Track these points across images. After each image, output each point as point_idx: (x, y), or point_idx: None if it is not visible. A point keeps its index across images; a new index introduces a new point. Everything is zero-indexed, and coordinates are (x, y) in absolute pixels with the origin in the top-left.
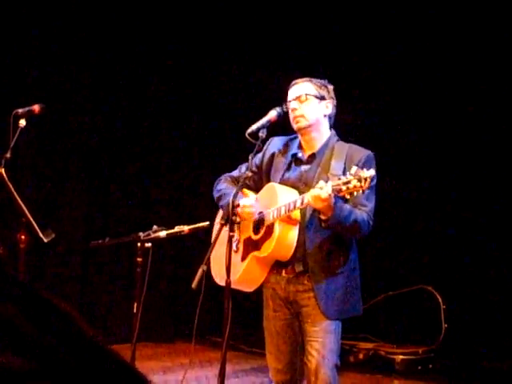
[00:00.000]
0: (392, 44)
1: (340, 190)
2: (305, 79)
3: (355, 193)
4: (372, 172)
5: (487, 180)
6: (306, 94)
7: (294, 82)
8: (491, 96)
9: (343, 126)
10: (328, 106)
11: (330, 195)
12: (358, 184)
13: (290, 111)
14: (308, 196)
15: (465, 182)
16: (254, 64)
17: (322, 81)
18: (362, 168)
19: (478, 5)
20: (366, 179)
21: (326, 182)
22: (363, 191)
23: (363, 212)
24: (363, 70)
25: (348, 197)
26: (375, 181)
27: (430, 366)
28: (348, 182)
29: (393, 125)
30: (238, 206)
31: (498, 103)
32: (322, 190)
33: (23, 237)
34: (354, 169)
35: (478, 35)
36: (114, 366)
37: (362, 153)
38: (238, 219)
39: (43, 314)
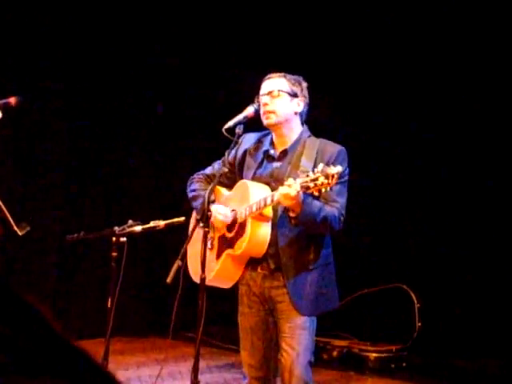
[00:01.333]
0: (378, 42)
1: (308, 188)
2: (279, 74)
3: (323, 189)
4: (339, 168)
5: (462, 179)
6: (279, 90)
7: (267, 77)
8: (478, 93)
9: (320, 123)
10: (299, 104)
11: (298, 192)
12: (326, 181)
13: (261, 105)
14: (278, 194)
15: (439, 181)
16: (231, 59)
17: (297, 77)
18: (332, 164)
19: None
20: (333, 176)
21: (295, 179)
22: (331, 188)
23: (334, 208)
24: (344, 66)
25: (316, 194)
26: (347, 176)
27: (404, 364)
28: (315, 179)
29: (364, 122)
30: (214, 202)
31: (488, 100)
32: (291, 187)
33: None
34: (320, 166)
35: (472, 33)
36: (82, 363)
37: (334, 148)
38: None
39: (12, 309)
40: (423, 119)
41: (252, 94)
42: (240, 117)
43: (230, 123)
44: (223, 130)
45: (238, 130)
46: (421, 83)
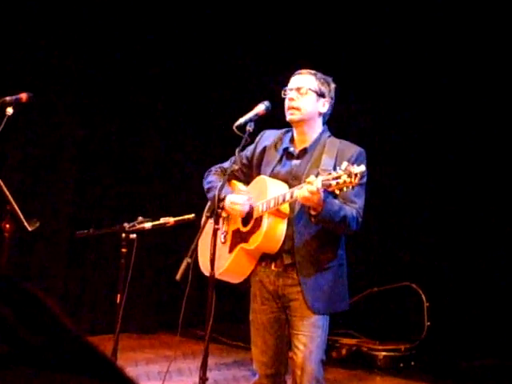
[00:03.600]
0: (390, 41)
1: (330, 185)
2: (309, 71)
3: (345, 188)
4: (362, 168)
5: (472, 179)
6: (308, 88)
7: (298, 72)
8: (484, 93)
9: (339, 122)
10: (325, 105)
11: (318, 190)
12: (348, 179)
13: (286, 99)
14: (298, 191)
15: (450, 181)
16: (243, 56)
17: (326, 77)
18: (353, 164)
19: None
20: (356, 175)
21: (316, 176)
22: (353, 187)
23: (352, 209)
24: (358, 65)
25: (338, 192)
26: (365, 178)
27: (412, 363)
28: (338, 177)
29: (382, 123)
30: (224, 199)
31: (492, 101)
32: (312, 184)
33: (8, 225)
34: (344, 164)
35: (474, 33)
36: (91, 356)
37: (354, 149)
38: (223, 213)
39: (21, 303)
40: (438, 117)
41: (263, 91)
42: (251, 114)
43: (241, 120)
44: (234, 127)
45: (249, 127)
46: (437, 82)
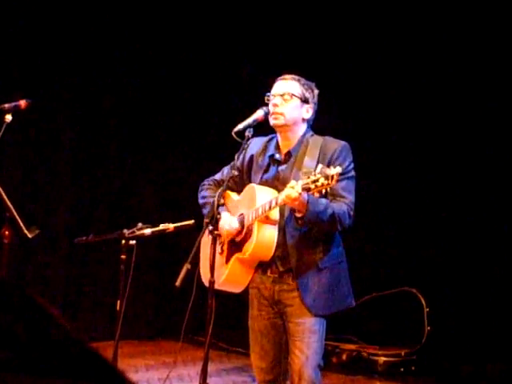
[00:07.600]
0: (381, 43)
1: (309, 189)
2: (293, 77)
3: (323, 190)
4: (338, 169)
5: (472, 183)
6: (292, 94)
7: (281, 77)
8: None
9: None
10: (309, 111)
11: (300, 194)
12: (326, 182)
13: (270, 104)
14: (281, 196)
15: (450, 185)
16: (241, 61)
17: (310, 83)
18: (333, 164)
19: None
20: (332, 176)
21: (298, 181)
22: (331, 188)
23: (342, 204)
24: (351, 69)
25: (317, 195)
26: (353, 171)
27: (413, 368)
28: (316, 181)
29: (377, 123)
30: (223, 205)
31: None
32: (293, 189)
33: (7, 232)
34: (319, 167)
35: (471, 34)
36: (93, 362)
37: (336, 144)
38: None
39: (23, 309)
40: (433, 121)
41: (263, 97)
42: (249, 120)
43: (240, 126)
44: (233, 133)
45: (248, 133)
46: (428, 85)
